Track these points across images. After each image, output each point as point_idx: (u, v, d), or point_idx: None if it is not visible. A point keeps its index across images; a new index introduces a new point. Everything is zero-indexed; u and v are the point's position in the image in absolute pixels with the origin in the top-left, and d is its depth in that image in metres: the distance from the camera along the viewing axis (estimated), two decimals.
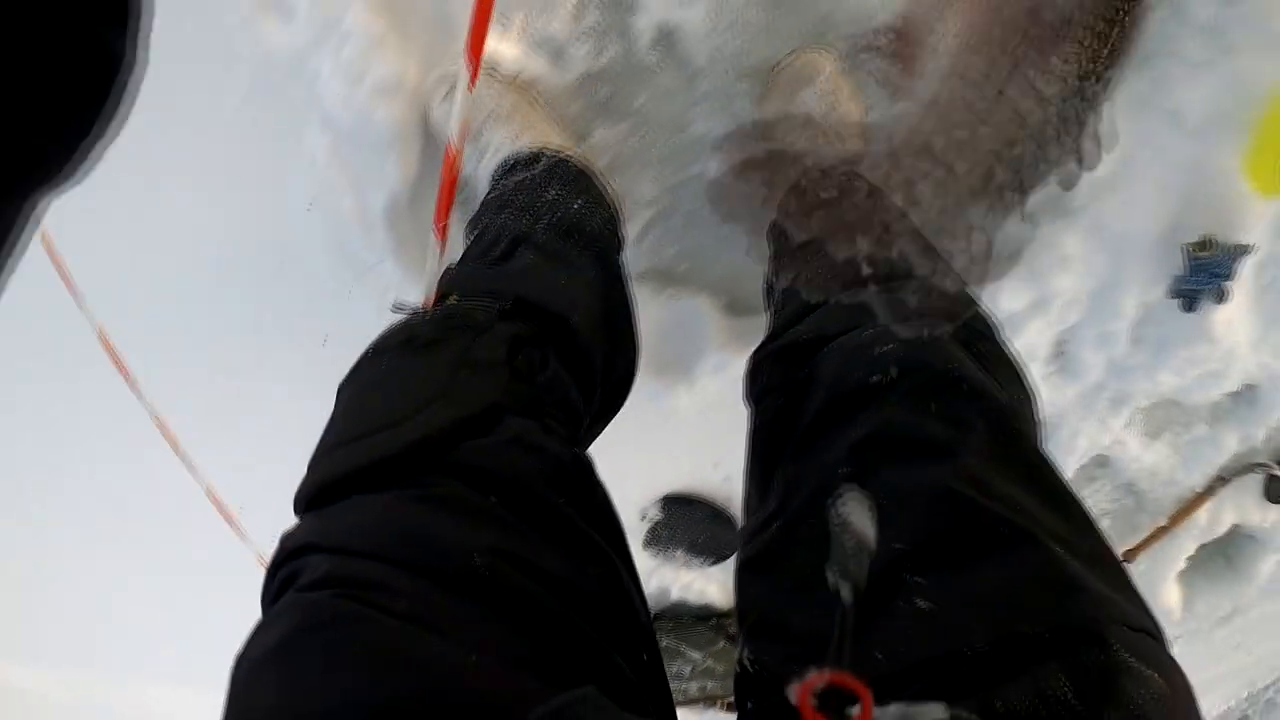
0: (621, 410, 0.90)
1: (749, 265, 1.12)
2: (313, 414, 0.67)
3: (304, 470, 0.61)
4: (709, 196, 0.46)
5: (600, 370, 0.82)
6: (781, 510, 0.64)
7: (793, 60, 1.02)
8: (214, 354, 1.30)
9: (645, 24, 1.02)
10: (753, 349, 0.84)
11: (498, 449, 0.59)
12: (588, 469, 0.67)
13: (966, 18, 0.35)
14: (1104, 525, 1.53)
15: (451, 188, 0.81)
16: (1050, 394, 1.33)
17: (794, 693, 0.39)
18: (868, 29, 0.39)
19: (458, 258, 0.88)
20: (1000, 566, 0.50)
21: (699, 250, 1.18)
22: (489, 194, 0.96)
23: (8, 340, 1.32)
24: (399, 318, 0.74)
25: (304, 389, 1.19)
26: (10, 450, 1.48)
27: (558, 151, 0.96)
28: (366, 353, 0.71)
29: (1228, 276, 1.19)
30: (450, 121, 0.77)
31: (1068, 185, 0.36)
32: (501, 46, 1.02)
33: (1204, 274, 1.18)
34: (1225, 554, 1.74)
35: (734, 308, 1.21)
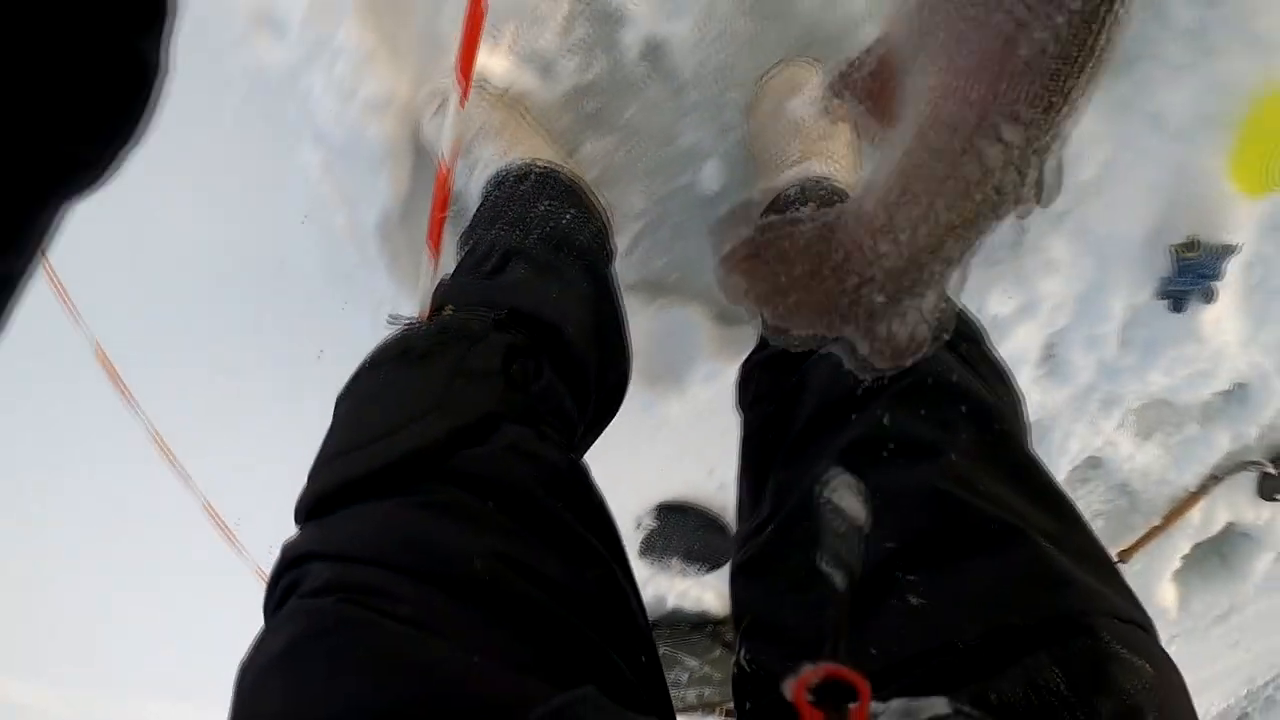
0: (614, 420, 0.91)
1: None
2: (309, 426, 0.67)
3: (301, 482, 0.61)
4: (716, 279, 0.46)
5: (593, 379, 0.83)
6: (775, 515, 0.65)
7: (779, 71, 1.03)
8: (210, 368, 1.31)
9: (633, 37, 1.03)
10: (743, 358, 0.85)
11: (495, 456, 0.60)
12: (583, 475, 0.68)
13: (939, 61, 0.36)
14: (1098, 526, 1.55)
15: (444, 204, 0.83)
16: (1041, 397, 1.33)
17: (789, 689, 0.40)
18: (845, 61, 0.39)
19: (451, 271, 0.89)
20: (989, 562, 0.51)
21: (688, 260, 1.18)
22: (480, 208, 0.97)
23: (4, 357, 1.33)
24: (395, 330, 0.75)
25: (300, 402, 1.20)
26: (8, 465, 1.48)
27: (548, 165, 0.97)
28: (364, 365, 0.71)
29: (1215, 277, 1.20)
30: (442, 139, 0.78)
31: (1024, 215, 0.37)
32: (491, 61, 1.03)
33: (1191, 275, 1.19)
34: (1220, 552, 1.74)
35: (724, 317, 1.22)
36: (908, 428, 0.60)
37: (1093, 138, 1.12)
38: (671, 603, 1.45)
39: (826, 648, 0.42)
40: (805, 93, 1.00)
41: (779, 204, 0.98)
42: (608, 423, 0.91)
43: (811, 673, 0.39)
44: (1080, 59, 0.34)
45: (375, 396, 0.67)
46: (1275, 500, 1.61)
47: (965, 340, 0.72)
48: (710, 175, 1.10)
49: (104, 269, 1.18)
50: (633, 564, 0.66)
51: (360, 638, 0.45)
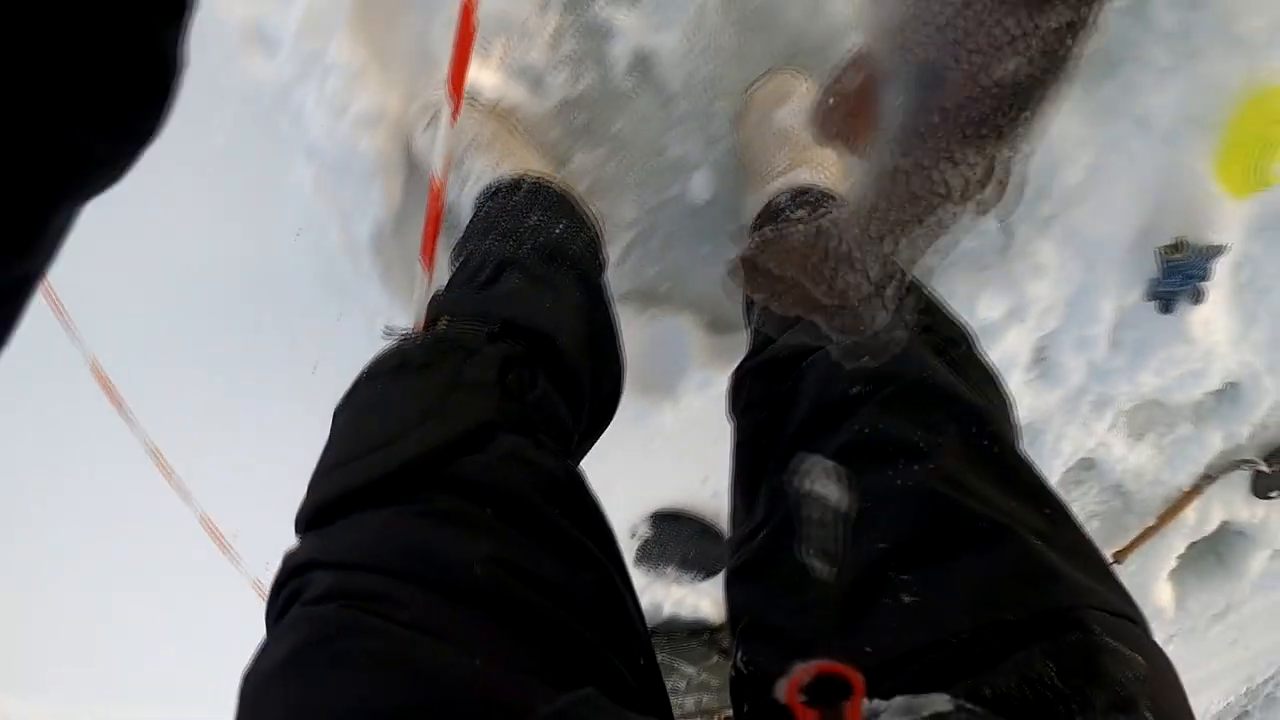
0: (608, 429, 0.92)
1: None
2: (305, 438, 0.68)
3: (298, 494, 0.62)
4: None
5: (588, 388, 0.83)
6: (768, 520, 0.65)
7: (766, 81, 1.04)
8: (206, 382, 1.31)
9: (621, 50, 1.04)
10: (735, 366, 0.86)
11: (492, 464, 0.60)
12: (579, 481, 0.68)
13: (913, 79, 0.38)
14: (1092, 528, 1.55)
15: (437, 219, 0.83)
16: (1033, 399, 1.34)
17: (782, 691, 0.40)
18: (830, 77, 0.41)
19: (445, 284, 0.89)
20: (980, 559, 0.51)
21: (679, 270, 1.19)
22: (472, 220, 0.98)
23: (1, 372, 1.33)
24: (391, 342, 0.76)
25: (295, 414, 1.20)
26: (5, 479, 1.49)
27: (538, 177, 0.98)
28: (361, 377, 0.72)
29: (1203, 277, 1.21)
30: (434, 155, 0.79)
31: (983, 214, 0.38)
32: (481, 76, 1.03)
33: (1178, 275, 1.20)
34: (1216, 551, 1.74)
35: (715, 325, 1.22)
36: (898, 431, 0.61)
37: (1078, 141, 1.13)
38: (668, 610, 1.45)
39: (818, 645, 0.42)
40: (792, 102, 1.01)
41: (769, 211, 0.99)
42: (602, 431, 0.92)
43: (803, 671, 0.39)
44: (1047, 82, 0.35)
45: (373, 407, 0.67)
46: (1270, 498, 1.61)
47: (954, 345, 0.72)
48: (700, 185, 1.11)
49: (99, 284, 1.19)
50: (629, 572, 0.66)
51: (364, 643, 0.45)
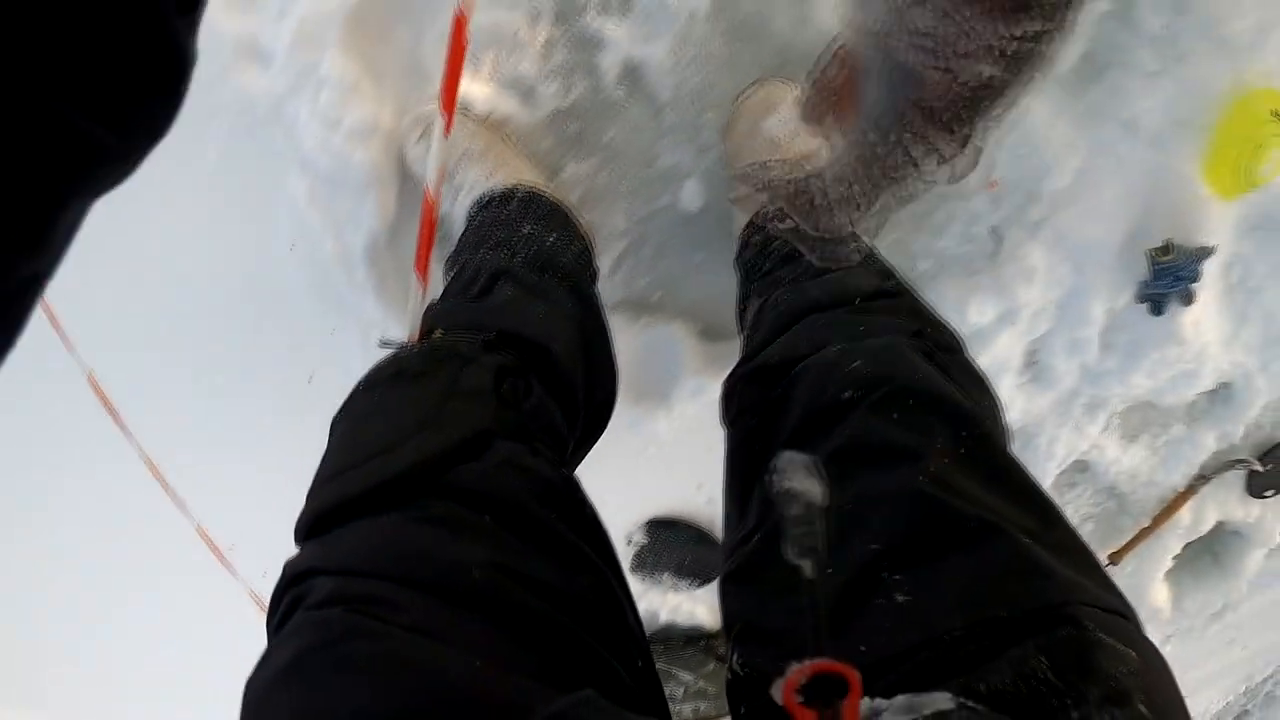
0: (602, 438, 0.92)
1: (721, 292, 1.14)
2: (301, 449, 0.68)
3: (294, 504, 0.62)
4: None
5: (582, 396, 0.84)
6: (761, 524, 0.66)
7: (755, 91, 1.05)
8: (202, 394, 1.31)
9: (611, 61, 1.05)
10: (727, 373, 0.86)
11: (489, 471, 0.61)
12: (575, 487, 0.69)
13: (889, 79, 0.41)
14: (1087, 530, 1.56)
15: (431, 231, 0.84)
16: (1025, 403, 1.34)
17: (778, 692, 0.40)
18: (816, 67, 0.45)
19: (438, 295, 0.90)
20: (970, 558, 0.52)
21: (671, 279, 1.20)
22: (465, 231, 0.99)
23: None
24: (387, 353, 0.76)
25: (291, 426, 1.21)
26: (1, 494, 1.49)
27: (531, 188, 0.99)
28: (358, 386, 0.72)
29: (1193, 279, 1.22)
30: (427, 168, 0.79)
31: (957, 180, 0.43)
32: (473, 87, 1.04)
33: (1168, 277, 1.20)
34: (1212, 551, 1.75)
35: (708, 333, 1.23)
36: (888, 435, 0.61)
37: (1067, 146, 1.13)
38: (664, 618, 1.45)
39: (810, 644, 0.42)
40: (781, 111, 1.02)
41: (759, 220, 1.00)
42: (597, 439, 0.92)
43: (799, 671, 0.39)
44: (1020, 81, 0.37)
45: (371, 416, 0.68)
46: (1265, 497, 1.62)
47: (942, 350, 0.73)
48: (690, 194, 1.12)
49: (95, 296, 1.19)
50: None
51: (366, 646, 0.46)
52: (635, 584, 1.43)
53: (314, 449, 0.68)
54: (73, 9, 0.25)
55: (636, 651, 0.59)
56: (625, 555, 1.41)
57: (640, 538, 1.41)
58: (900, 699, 0.41)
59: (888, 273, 0.86)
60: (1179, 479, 1.55)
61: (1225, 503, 1.61)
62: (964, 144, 0.40)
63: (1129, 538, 1.59)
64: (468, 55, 0.76)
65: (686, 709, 1.35)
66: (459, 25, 0.73)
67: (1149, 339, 1.28)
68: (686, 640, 1.45)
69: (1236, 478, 1.59)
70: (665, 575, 1.42)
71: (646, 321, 1.21)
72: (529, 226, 0.93)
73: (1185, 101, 1.12)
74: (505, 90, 1.06)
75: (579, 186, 1.12)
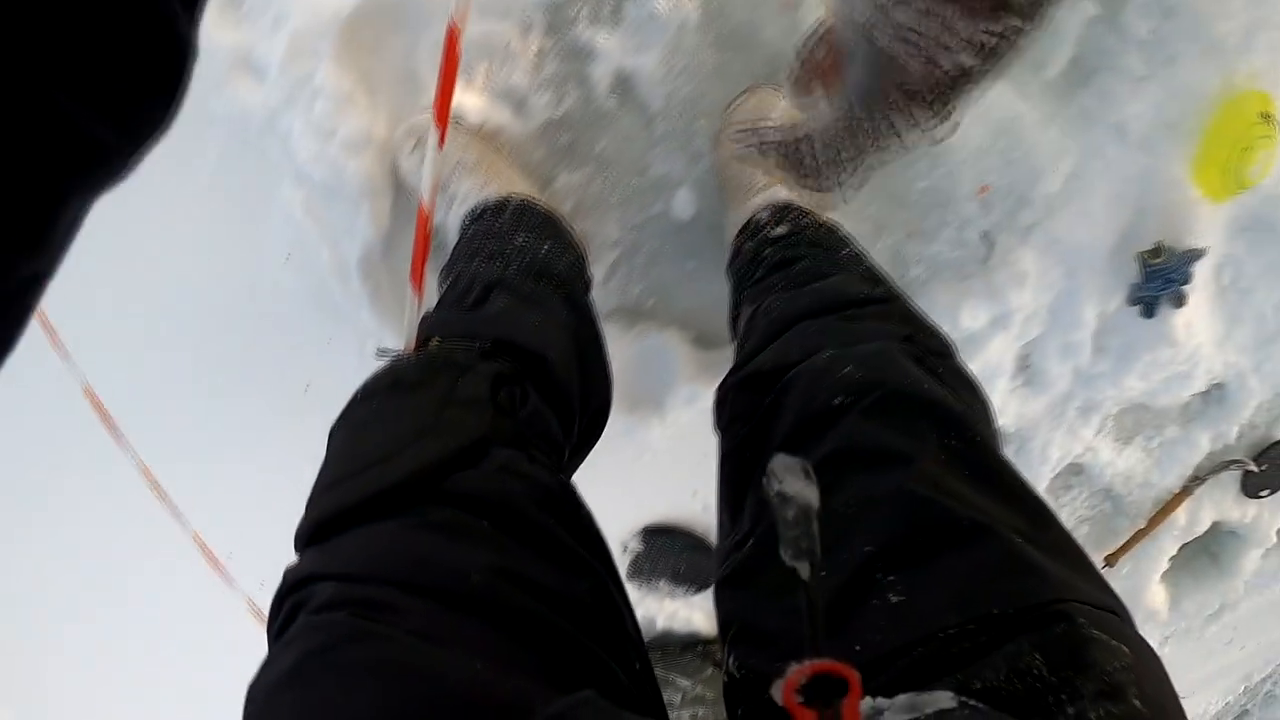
0: (597, 445, 0.93)
1: (713, 300, 1.15)
2: (298, 459, 0.69)
3: (291, 513, 0.62)
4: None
5: (577, 404, 0.84)
6: (754, 529, 0.66)
7: (745, 99, 1.05)
8: (199, 403, 1.32)
9: (602, 71, 1.05)
10: (721, 380, 0.87)
11: (487, 477, 0.61)
12: (572, 493, 0.69)
13: (874, 63, 0.43)
14: (1083, 532, 1.56)
15: (426, 242, 0.85)
16: (1019, 407, 1.35)
17: (778, 693, 0.40)
18: (803, 45, 0.49)
19: (434, 305, 0.91)
20: (963, 557, 0.52)
21: (664, 287, 1.20)
22: (459, 242, 0.99)
23: None
24: (384, 362, 0.77)
25: (288, 435, 1.21)
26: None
27: (524, 198, 0.99)
28: (356, 396, 0.73)
29: (1184, 281, 1.23)
30: (422, 181, 0.80)
31: (937, 143, 0.48)
32: (466, 99, 1.05)
33: (1159, 280, 1.21)
34: (1209, 551, 1.75)
35: (701, 341, 1.23)
36: (880, 439, 0.61)
37: (1057, 150, 1.14)
38: (661, 624, 1.45)
39: (808, 645, 0.42)
40: (772, 120, 1.02)
41: (751, 228, 1.00)
42: (592, 446, 0.93)
43: (799, 672, 0.39)
44: (997, 68, 0.39)
45: (369, 425, 0.68)
46: (1260, 497, 1.62)
47: (933, 354, 0.74)
48: (682, 203, 1.12)
49: (92, 308, 1.20)
50: None
51: (368, 650, 0.46)
52: (632, 591, 1.42)
53: (311, 458, 0.68)
54: (72, 1, 0.25)
55: (635, 655, 0.60)
56: (621, 562, 1.41)
57: (636, 545, 1.42)
58: (902, 698, 0.41)
59: (879, 279, 0.87)
60: (1174, 480, 1.55)
61: (1221, 503, 1.62)
62: (945, 119, 0.43)
63: (1125, 540, 1.60)
64: (461, 67, 0.76)
65: (685, 715, 1.35)
66: (452, 39, 0.73)
67: (1141, 341, 1.29)
68: (683, 646, 1.45)
69: (1232, 478, 1.59)
70: (661, 582, 1.42)
71: (640, 330, 1.21)
72: (522, 236, 0.94)
73: (1174, 105, 1.13)
74: (498, 101, 1.06)
75: (571, 196, 1.13)
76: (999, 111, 1.12)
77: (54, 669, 1.73)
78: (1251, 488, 1.60)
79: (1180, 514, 1.59)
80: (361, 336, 1.17)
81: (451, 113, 0.82)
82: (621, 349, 1.17)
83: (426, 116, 0.89)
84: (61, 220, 0.28)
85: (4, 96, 0.24)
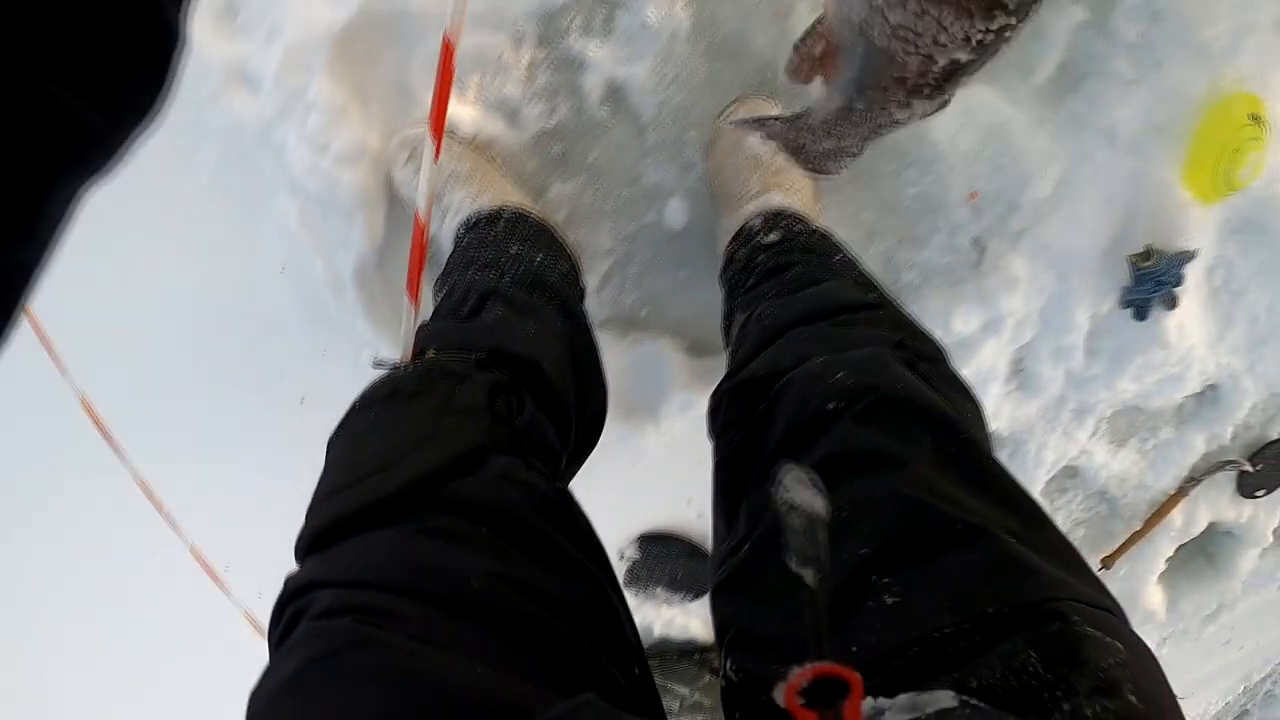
0: (593, 453, 0.93)
1: (706, 308, 1.15)
2: (294, 469, 0.69)
3: (288, 524, 0.62)
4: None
5: (573, 412, 0.85)
6: (749, 534, 0.66)
7: (736, 108, 1.06)
8: (194, 415, 1.32)
9: (594, 82, 1.06)
10: (714, 387, 0.87)
11: (486, 484, 0.62)
12: (570, 500, 0.69)
13: (871, 60, 0.45)
14: (1079, 535, 1.56)
15: (422, 255, 0.85)
16: (1013, 411, 1.35)
17: (780, 695, 0.40)
18: (800, 40, 0.51)
19: (429, 315, 0.91)
20: (957, 558, 0.52)
21: (657, 296, 1.21)
22: (454, 252, 1.00)
23: None
24: (380, 373, 0.77)
25: (284, 446, 1.21)
26: None
27: (517, 208, 1.00)
28: (354, 406, 0.73)
29: (1176, 283, 1.23)
30: (417, 194, 0.81)
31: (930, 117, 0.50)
32: (459, 110, 1.05)
33: (1150, 282, 1.22)
34: (1206, 552, 1.76)
35: (695, 349, 1.24)
36: (873, 443, 0.62)
37: (1046, 155, 1.15)
38: (658, 632, 1.45)
39: (810, 648, 0.43)
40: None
41: (744, 234, 1.01)
42: (588, 453, 0.93)
43: (801, 675, 0.40)
44: (988, 60, 0.41)
45: (368, 435, 0.68)
46: (1256, 497, 1.63)
47: (925, 360, 0.74)
48: (674, 212, 1.13)
49: (88, 320, 1.20)
50: None
51: (370, 656, 0.46)
52: (628, 599, 1.42)
53: (307, 468, 0.68)
54: None
55: (634, 659, 0.60)
56: (618, 570, 1.41)
57: (632, 553, 1.42)
58: (903, 698, 0.42)
59: (871, 285, 0.87)
60: (1169, 482, 1.55)
61: (1217, 504, 1.62)
62: (943, 106, 0.45)
63: (1121, 542, 1.60)
64: (454, 79, 0.77)
65: None
66: (447, 53, 0.74)
67: (1134, 344, 1.29)
68: (681, 654, 1.45)
69: (1227, 479, 1.60)
70: (658, 589, 1.43)
71: (634, 338, 1.21)
72: (516, 246, 0.94)
73: (1162, 108, 1.13)
74: (491, 112, 1.07)
75: (564, 206, 1.13)
76: (988, 118, 1.13)
77: (50, 682, 1.73)
78: (1247, 488, 1.60)
79: (1176, 515, 1.59)
80: (356, 347, 1.18)
81: (446, 125, 0.83)
82: (615, 358, 1.18)
83: (420, 129, 0.90)
84: (51, 208, 0.28)
85: None
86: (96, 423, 1.25)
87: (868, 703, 0.42)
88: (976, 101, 1.12)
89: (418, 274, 0.88)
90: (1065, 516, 1.57)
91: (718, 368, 0.93)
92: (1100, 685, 0.43)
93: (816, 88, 0.52)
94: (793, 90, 1.07)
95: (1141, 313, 1.26)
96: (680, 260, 1.18)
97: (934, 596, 0.51)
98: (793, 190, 1.03)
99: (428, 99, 0.77)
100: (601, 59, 1.05)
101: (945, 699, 0.42)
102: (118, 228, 1.13)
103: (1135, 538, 1.59)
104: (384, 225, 1.10)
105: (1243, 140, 1.11)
